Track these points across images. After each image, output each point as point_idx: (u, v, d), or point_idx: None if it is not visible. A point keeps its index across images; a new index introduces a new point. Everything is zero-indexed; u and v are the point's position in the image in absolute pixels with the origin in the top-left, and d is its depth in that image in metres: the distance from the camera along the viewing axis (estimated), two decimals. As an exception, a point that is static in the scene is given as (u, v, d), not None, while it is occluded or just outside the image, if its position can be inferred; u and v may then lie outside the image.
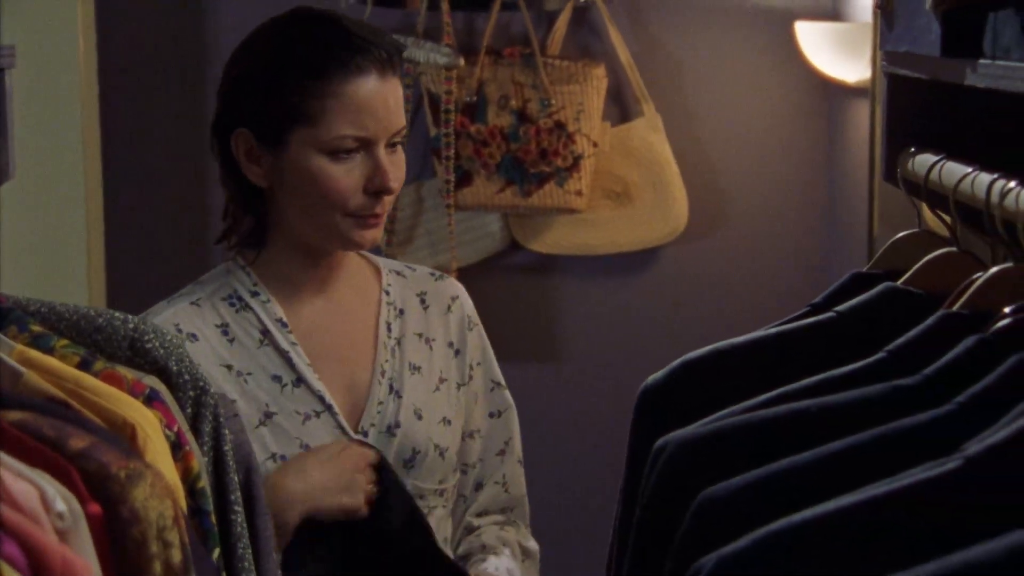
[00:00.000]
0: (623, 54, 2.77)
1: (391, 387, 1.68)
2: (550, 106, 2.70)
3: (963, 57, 1.15)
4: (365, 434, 1.65)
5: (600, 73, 2.73)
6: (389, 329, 1.71)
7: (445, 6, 2.70)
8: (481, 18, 2.78)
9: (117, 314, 1.19)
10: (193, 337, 1.62)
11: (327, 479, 1.57)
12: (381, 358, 1.69)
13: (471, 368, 1.76)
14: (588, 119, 2.71)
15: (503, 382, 1.81)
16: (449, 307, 1.76)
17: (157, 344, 1.18)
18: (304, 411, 1.63)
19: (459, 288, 1.79)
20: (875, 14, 1.36)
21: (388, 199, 1.62)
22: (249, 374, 1.62)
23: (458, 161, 2.72)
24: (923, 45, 1.23)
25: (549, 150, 2.71)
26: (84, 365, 1.09)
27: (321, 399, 1.64)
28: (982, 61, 1.11)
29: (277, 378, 1.63)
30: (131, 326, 1.18)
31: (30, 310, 1.16)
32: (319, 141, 1.59)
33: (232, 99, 1.66)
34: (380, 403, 1.67)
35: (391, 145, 1.63)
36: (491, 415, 1.79)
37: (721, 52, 2.85)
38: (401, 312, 1.73)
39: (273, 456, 1.60)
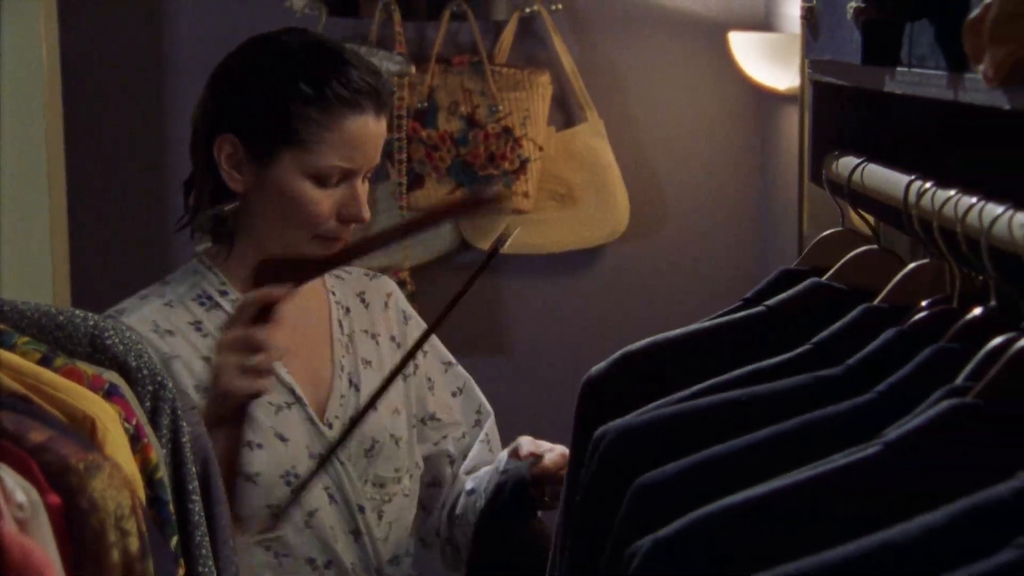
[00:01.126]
0: (567, 63, 2.78)
1: (350, 381, 1.69)
2: (498, 112, 2.69)
3: (882, 65, 1.16)
4: (330, 426, 1.65)
5: (545, 81, 2.73)
6: (341, 326, 1.72)
7: (397, 16, 2.69)
8: (431, 27, 2.78)
9: (78, 312, 1.18)
10: (170, 333, 1.62)
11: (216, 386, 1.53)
12: (338, 354, 1.70)
13: (415, 358, 1.77)
14: (534, 124, 2.71)
15: (453, 360, 1.83)
16: (386, 303, 1.78)
17: (116, 340, 1.16)
18: (277, 403, 1.63)
19: (392, 285, 1.82)
20: (803, 24, 1.37)
21: (353, 226, 1.65)
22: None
23: (410, 164, 2.72)
24: (845, 53, 1.24)
25: (497, 154, 2.71)
26: (45, 361, 1.08)
27: (292, 391, 1.65)
28: (899, 68, 1.12)
29: None
30: (91, 323, 1.16)
31: (-8, 308, 1.14)
32: (308, 166, 1.59)
33: (225, 105, 1.64)
34: (342, 396, 1.68)
35: (364, 179, 1.65)
36: (453, 394, 1.81)
37: (659, 61, 2.86)
38: (347, 310, 1.74)
39: (250, 443, 1.60)
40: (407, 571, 1.74)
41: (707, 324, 1.26)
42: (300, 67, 1.61)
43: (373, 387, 1.70)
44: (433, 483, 1.81)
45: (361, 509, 1.66)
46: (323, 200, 1.60)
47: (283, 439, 1.62)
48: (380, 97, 1.62)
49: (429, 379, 1.80)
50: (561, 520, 1.25)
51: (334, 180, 1.60)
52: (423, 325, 1.81)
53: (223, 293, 1.66)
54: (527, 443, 1.70)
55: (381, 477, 1.69)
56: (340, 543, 1.65)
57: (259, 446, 1.61)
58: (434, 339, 1.81)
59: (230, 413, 1.52)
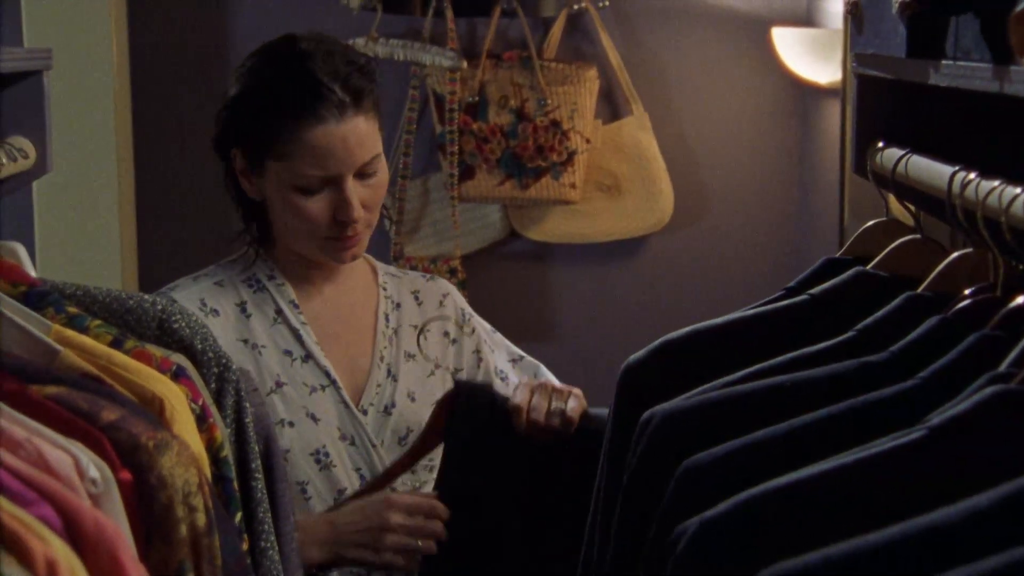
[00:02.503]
0: (614, 57, 2.76)
1: (388, 371, 1.70)
2: (546, 105, 2.68)
3: (927, 58, 1.14)
4: (364, 412, 1.66)
5: (592, 75, 2.71)
6: (387, 320, 1.73)
7: (449, 13, 2.69)
8: (482, 24, 2.77)
9: (147, 297, 1.19)
10: (215, 312, 1.64)
11: (348, 526, 1.56)
12: (380, 345, 1.71)
13: (478, 353, 1.76)
14: (581, 118, 2.70)
15: (522, 354, 1.82)
16: (441, 302, 1.78)
17: (183, 324, 1.17)
18: (311, 384, 1.64)
19: (450, 287, 1.82)
20: (846, 19, 1.35)
21: (359, 224, 1.62)
22: (263, 347, 1.64)
23: (461, 156, 2.71)
24: (890, 47, 1.22)
25: (545, 146, 2.70)
26: (116, 344, 1.09)
27: (327, 374, 1.65)
28: (944, 61, 1.10)
29: (288, 352, 1.65)
30: (159, 308, 1.17)
31: (66, 293, 1.15)
32: (287, 178, 1.60)
33: (226, 121, 1.66)
34: (379, 385, 1.69)
35: (362, 175, 1.61)
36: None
37: (704, 56, 2.84)
38: (398, 306, 1.75)
39: (282, 422, 1.62)
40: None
41: (748, 313, 1.24)
42: (268, 79, 1.60)
43: (412, 380, 1.71)
44: None
45: (393, 491, 1.67)
46: (312, 207, 1.60)
47: (314, 419, 1.63)
48: (340, 99, 1.57)
49: (500, 370, 1.80)
50: (596, 504, 1.23)
51: (317, 187, 1.59)
52: (484, 324, 1.81)
53: (270, 277, 1.68)
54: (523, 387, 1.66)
55: (414, 464, 1.69)
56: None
57: (290, 424, 1.62)
58: (497, 337, 1.82)
59: (330, 560, 1.56)
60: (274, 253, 1.70)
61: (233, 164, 1.65)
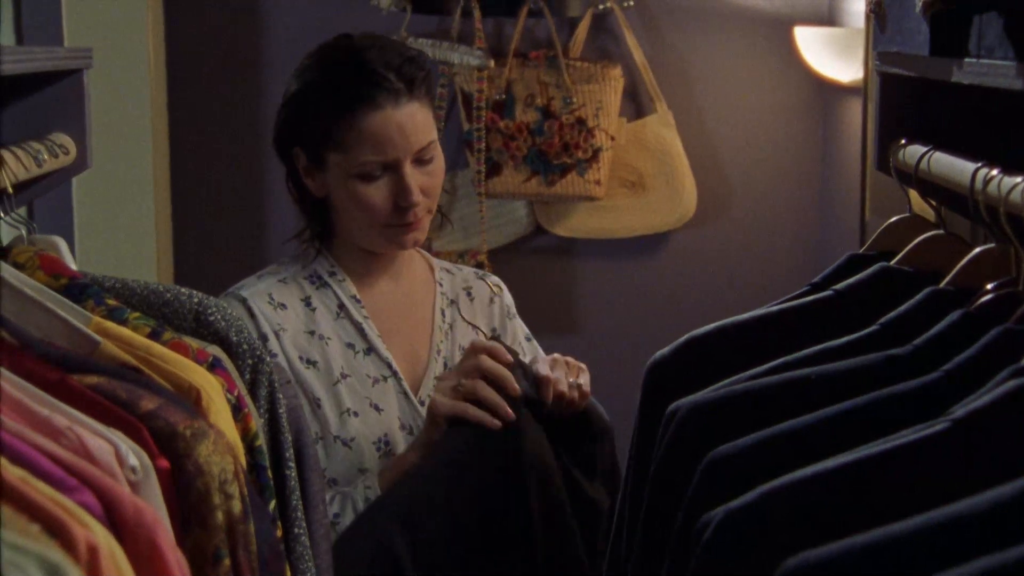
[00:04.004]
0: (638, 56, 2.75)
1: (445, 364, 1.72)
2: (572, 103, 2.68)
3: (950, 56, 1.13)
4: (423, 403, 1.67)
5: (617, 74, 2.71)
6: (443, 315, 1.75)
7: (477, 13, 2.69)
8: (509, 24, 2.77)
9: (183, 290, 1.19)
10: (283, 306, 1.66)
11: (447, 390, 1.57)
12: (437, 339, 1.73)
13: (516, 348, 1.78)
14: (606, 115, 2.69)
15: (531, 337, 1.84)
16: (491, 299, 1.80)
17: (219, 317, 1.17)
18: (374, 375, 1.66)
19: (501, 284, 1.85)
20: (868, 18, 1.35)
21: (419, 208, 1.64)
22: (329, 339, 1.66)
23: (488, 153, 2.71)
24: (913, 45, 1.21)
25: (571, 143, 2.69)
26: (154, 335, 1.09)
27: (389, 365, 1.67)
28: (967, 60, 1.09)
29: (351, 345, 1.67)
30: (195, 300, 1.18)
31: (106, 286, 1.16)
32: (348, 166, 1.62)
33: (285, 118, 1.69)
34: (436, 377, 1.69)
35: (420, 161, 1.63)
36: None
37: (727, 54, 2.83)
38: (452, 302, 1.77)
39: (348, 411, 1.63)
40: None
41: (773, 309, 1.24)
42: (325, 74, 1.63)
43: None
44: None
45: None
46: (373, 194, 1.62)
47: (378, 409, 1.65)
48: (396, 85, 1.60)
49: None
50: (624, 496, 1.23)
51: (377, 173, 1.61)
52: (523, 328, 1.83)
53: (331, 274, 1.70)
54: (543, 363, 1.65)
55: None
56: None
57: (355, 414, 1.64)
58: (535, 346, 1.83)
59: (431, 427, 1.56)
60: (334, 250, 1.71)
61: (296, 163, 1.67)
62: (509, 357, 1.56)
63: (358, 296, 1.69)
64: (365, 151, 1.60)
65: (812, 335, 1.13)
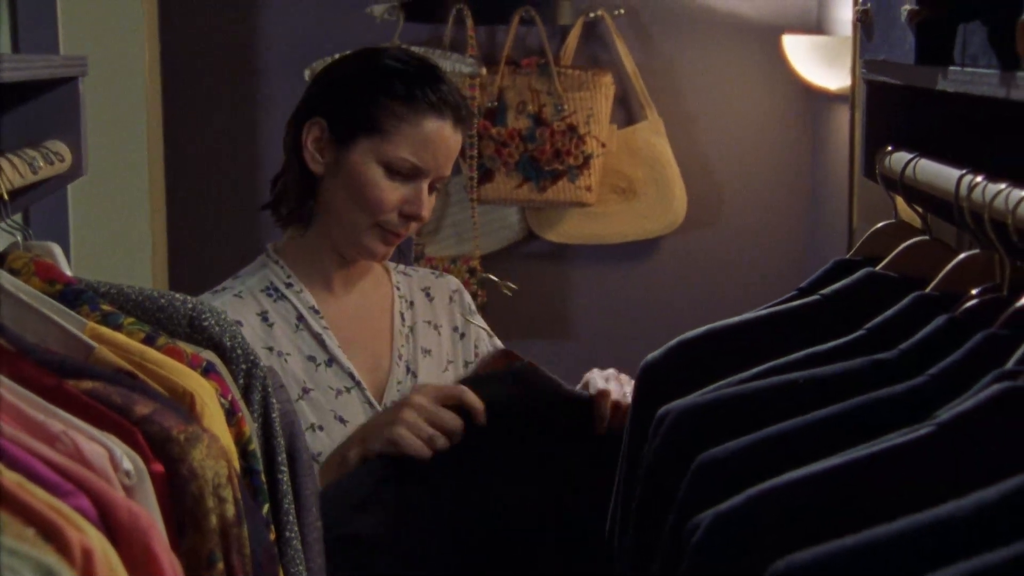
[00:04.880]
0: (628, 64, 2.76)
1: (407, 368, 1.70)
2: (563, 111, 2.68)
3: (935, 64, 1.13)
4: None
5: (608, 81, 2.71)
6: (403, 318, 1.73)
7: (469, 21, 2.69)
8: (501, 32, 2.77)
9: (177, 295, 1.19)
10: (239, 323, 1.62)
11: (377, 419, 1.56)
12: (398, 343, 1.71)
13: (476, 348, 1.77)
14: (597, 122, 2.70)
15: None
16: (451, 298, 1.79)
17: (213, 322, 1.17)
18: (336, 387, 1.64)
19: (457, 283, 1.83)
20: (855, 27, 1.35)
21: (413, 226, 1.65)
22: (288, 354, 1.63)
23: (481, 160, 2.72)
24: (899, 54, 1.21)
25: (562, 150, 2.70)
26: (148, 340, 1.09)
27: (351, 376, 1.65)
28: (952, 68, 1.10)
29: (312, 358, 1.64)
30: (190, 306, 1.18)
31: (100, 291, 1.16)
32: (382, 154, 1.61)
33: (321, 91, 1.67)
34: (399, 382, 1.68)
35: (433, 188, 1.65)
36: None
37: (716, 62, 2.83)
38: (411, 304, 1.75)
39: (312, 426, 1.61)
40: None
41: (762, 313, 1.24)
42: (397, 69, 1.64)
43: (430, 375, 1.71)
44: None
45: None
46: (389, 190, 1.61)
47: (343, 421, 1.63)
48: (461, 112, 1.64)
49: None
50: (616, 498, 1.23)
51: (403, 174, 1.61)
52: (482, 323, 1.82)
53: (288, 285, 1.67)
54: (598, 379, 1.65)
55: None
56: None
57: (320, 428, 1.61)
58: (497, 343, 1.82)
59: (361, 454, 1.53)
60: (292, 256, 1.69)
61: (304, 136, 1.64)
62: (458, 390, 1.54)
63: (316, 307, 1.66)
64: (407, 148, 1.60)
65: (800, 339, 1.14)
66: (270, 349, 1.63)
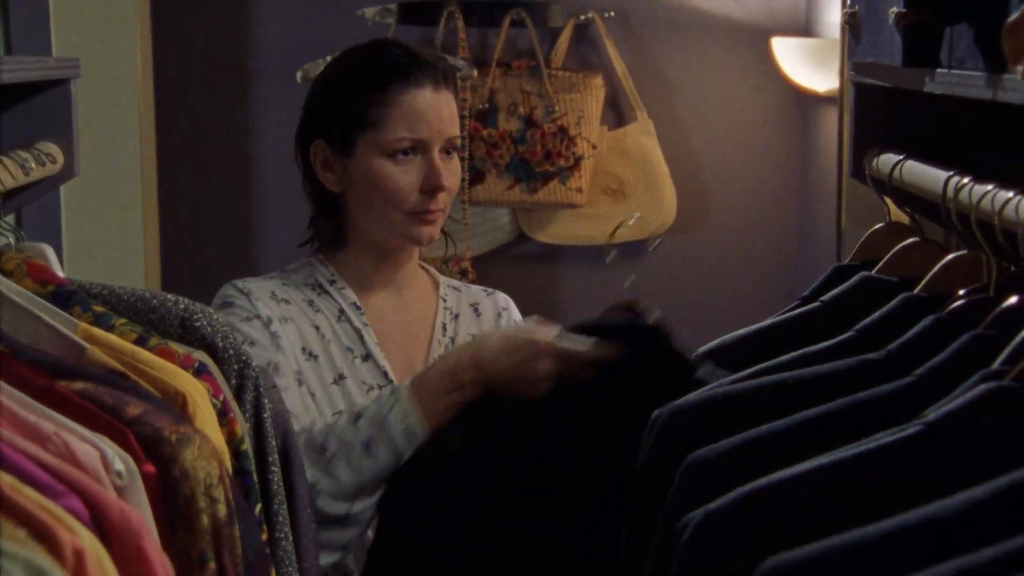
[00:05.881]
0: (619, 66, 2.76)
1: None
2: (554, 112, 2.68)
3: (922, 67, 1.14)
4: None
5: (598, 83, 2.71)
6: (444, 329, 1.73)
7: (461, 24, 2.69)
8: (493, 34, 2.77)
9: (170, 296, 1.19)
10: (286, 302, 1.63)
11: (499, 361, 1.45)
12: (434, 351, 1.70)
13: None
14: (588, 124, 2.70)
15: None
16: (499, 315, 1.78)
17: (205, 323, 1.17)
18: (370, 382, 1.64)
19: (509, 302, 1.82)
20: (843, 29, 1.35)
21: (443, 197, 1.63)
22: (330, 340, 1.64)
23: (472, 161, 2.71)
24: (886, 56, 1.21)
25: (553, 151, 2.70)
26: (140, 341, 1.09)
27: (385, 374, 1.65)
28: (939, 70, 1.10)
29: (350, 350, 1.64)
30: (182, 307, 1.17)
31: (92, 292, 1.15)
32: (380, 144, 1.60)
33: (310, 114, 1.68)
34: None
35: (447, 152, 1.64)
36: None
37: (706, 64, 2.84)
38: (456, 316, 1.75)
39: (340, 412, 1.59)
40: None
41: (765, 323, 1.25)
42: (361, 61, 1.65)
43: None
44: None
45: None
46: (402, 175, 1.61)
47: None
48: (438, 73, 1.63)
49: None
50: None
51: (408, 153, 1.61)
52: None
53: (332, 282, 1.68)
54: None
55: None
56: None
57: None
58: None
59: (472, 390, 1.44)
60: (336, 259, 1.69)
61: (313, 160, 1.65)
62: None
63: (359, 303, 1.67)
64: (400, 127, 1.59)
65: (801, 346, 1.13)
66: (316, 328, 1.63)
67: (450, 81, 1.64)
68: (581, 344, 1.42)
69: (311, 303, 1.66)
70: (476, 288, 1.83)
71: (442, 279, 1.79)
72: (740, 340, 1.21)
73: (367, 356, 1.65)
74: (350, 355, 1.64)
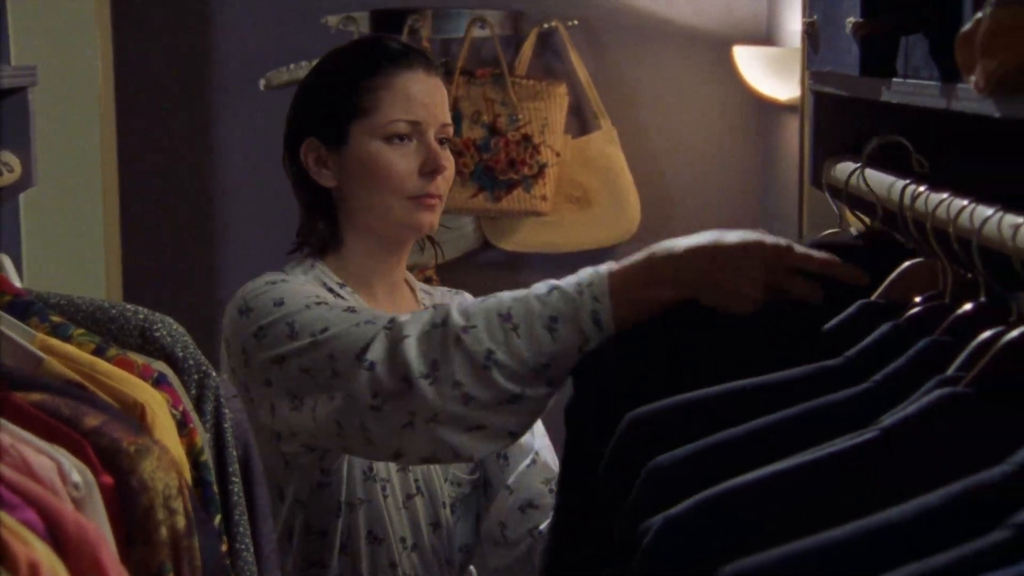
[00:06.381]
0: (582, 74, 2.77)
1: None
2: (518, 120, 2.69)
3: (879, 76, 1.15)
4: None
5: (562, 91, 2.72)
6: None
7: (424, 31, 2.69)
8: (456, 42, 2.78)
9: (129, 306, 1.18)
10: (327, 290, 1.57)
11: (720, 275, 1.27)
12: None
13: None
14: (552, 132, 2.70)
15: None
16: None
17: (164, 333, 1.16)
18: None
19: (471, 298, 1.80)
20: (804, 38, 1.36)
21: (442, 181, 1.60)
22: None
23: (436, 170, 2.71)
24: (844, 66, 1.22)
25: (517, 160, 2.70)
26: (99, 351, 1.08)
27: None
28: (895, 79, 1.11)
29: None
30: (141, 317, 1.17)
31: (51, 303, 1.15)
32: (375, 128, 1.58)
33: (299, 113, 1.66)
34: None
35: (440, 140, 1.62)
36: None
37: (669, 73, 2.85)
38: None
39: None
40: (469, 559, 1.73)
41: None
42: (348, 52, 1.65)
43: None
44: (486, 483, 1.75)
45: (444, 505, 1.65)
46: (399, 159, 1.58)
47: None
48: (426, 58, 1.63)
49: None
50: (561, 502, 1.23)
51: (404, 136, 1.58)
52: None
53: (341, 285, 1.63)
54: None
55: (459, 477, 1.68)
56: (424, 531, 1.63)
57: None
58: None
59: (673, 291, 1.25)
60: (333, 262, 1.64)
61: (304, 160, 1.62)
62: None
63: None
64: (395, 110, 1.58)
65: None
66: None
67: (439, 69, 1.64)
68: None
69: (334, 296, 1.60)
70: (443, 289, 1.82)
71: (414, 282, 1.77)
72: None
73: None
74: None
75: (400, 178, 1.58)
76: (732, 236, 1.31)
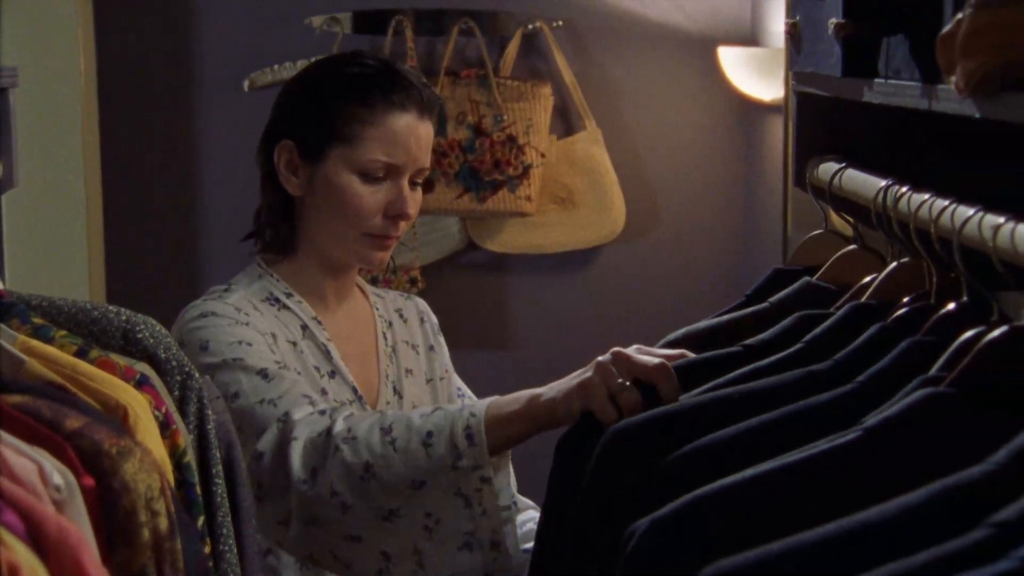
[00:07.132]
0: (567, 75, 2.77)
1: (394, 388, 1.68)
2: (503, 121, 2.69)
3: (861, 77, 1.15)
4: None
5: (547, 92, 2.72)
6: (385, 338, 1.71)
7: (409, 32, 2.69)
8: (441, 43, 2.77)
9: (111, 308, 1.17)
10: (259, 312, 1.58)
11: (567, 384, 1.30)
12: (383, 364, 1.68)
13: (446, 368, 1.78)
14: (536, 133, 2.71)
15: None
16: (421, 319, 1.77)
17: (147, 334, 1.16)
18: (340, 399, 1.59)
19: (424, 304, 1.81)
20: (787, 39, 1.37)
21: (403, 225, 1.61)
22: (302, 352, 1.60)
23: (421, 170, 2.71)
24: (826, 66, 1.23)
25: (502, 160, 2.70)
26: (81, 353, 1.07)
27: (354, 390, 1.61)
28: (877, 80, 1.12)
29: (316, 368, 1.60)
30: (124, 318, 1.16)
31: (32, 304, 1.14)
32: (353, 161, 1.57)
33: (284, 113, 1.64)
34: (387, 402, 1.66)
35: (413, 184, 1.61)
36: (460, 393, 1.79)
37: (653, 74, 2.86)
38: (390, 324, 1.73)
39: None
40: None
41: (721, 319, 1.27)
42: (352, 74, 1.60)
43: (413, 394, 1.69)
44: None
45: None
46: (368, 196, 1.57)
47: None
48: (423, 100, 1.59)
49: (459, 388, 1.79)
50: (550, 509, 1.23)
51: (379, 175, 1.57)
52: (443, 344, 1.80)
53: (288, 295, 1.63)
54: None
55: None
56: None
57: None
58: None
59: (565, 417, 1.29)
60: (283, 268, 1.64)
61: (276, 160, 1.61)
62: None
63: (319, 318, 1.63)
64: (377, 150, 1.56)
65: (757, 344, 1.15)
66: (293, 344, 1.58)
67: (433, 110, 1.61)
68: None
69: (277, 319, 1.61)
70: (393, 292, 1.81)
71: (366, 288, 1.76)
72: (705, 331, 1.23)
73: (334, 373, 1.61)
74: (317, 373, 1.60)
75: (364, 215, 1.58)
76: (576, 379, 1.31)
